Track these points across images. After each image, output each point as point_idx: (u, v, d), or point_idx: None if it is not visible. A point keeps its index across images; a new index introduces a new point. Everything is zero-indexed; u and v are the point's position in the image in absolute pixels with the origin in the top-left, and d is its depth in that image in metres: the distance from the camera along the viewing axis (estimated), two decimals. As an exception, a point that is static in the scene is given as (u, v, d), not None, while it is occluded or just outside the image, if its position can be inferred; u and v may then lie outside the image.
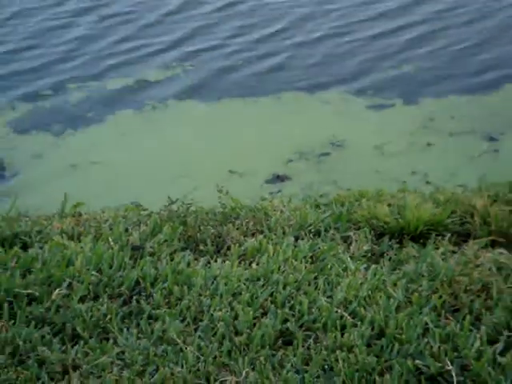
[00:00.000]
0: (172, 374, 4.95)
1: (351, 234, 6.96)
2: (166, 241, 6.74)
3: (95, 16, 21.58)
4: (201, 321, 5.58)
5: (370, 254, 6.66)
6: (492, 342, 5.25)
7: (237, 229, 7.05)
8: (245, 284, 5.97)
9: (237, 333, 5.42)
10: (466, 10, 21.76)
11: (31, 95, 17.59)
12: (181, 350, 5.22)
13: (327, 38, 20.31)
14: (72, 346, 5.29)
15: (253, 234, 6.93)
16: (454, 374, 4.91)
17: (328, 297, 5.78)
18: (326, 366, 5.04)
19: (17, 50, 19.77)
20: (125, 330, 5.50)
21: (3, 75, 18.53)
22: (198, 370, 5.01)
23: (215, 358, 5.14)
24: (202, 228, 7.03)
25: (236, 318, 5.56)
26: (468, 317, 5.54)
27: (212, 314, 5.60)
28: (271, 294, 5.83)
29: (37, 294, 5.83)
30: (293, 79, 18.33)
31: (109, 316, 5.63)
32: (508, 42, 19.96)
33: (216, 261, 6.45)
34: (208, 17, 21.52)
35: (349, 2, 22.83)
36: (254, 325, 5.47)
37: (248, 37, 20.49)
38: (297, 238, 6.79)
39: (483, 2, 21.95)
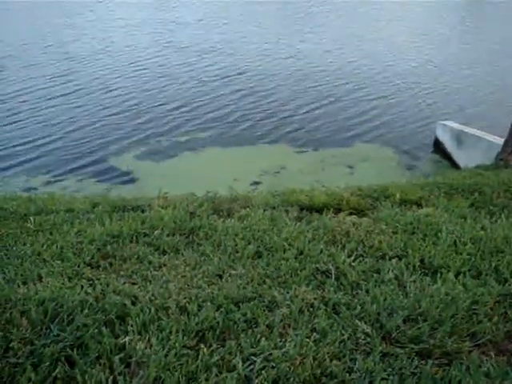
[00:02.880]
0: (207, 269, 5.01)
1: (289, 208, 7.00)
2: (205, 210, 6.77)
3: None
4: (220, 246, 5.62)
5: (297, 217, 6.69)
6: (349, 256, 5.34)
7: (237, 205, 7.08)
8: (240, 230, 6.00)
9: (237, 252, 5.47)
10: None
11: (146, 143, 17.57)
12: (211, 259, 5.28)
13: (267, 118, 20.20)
14: (163, 256, 5.37)
15: (244, 207, 6.96)
16: (332, 271, 5.00)
17: (278, 236, 5.82)
18: (276, 267, 5.11)
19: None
20: (187, 249, 5.56)
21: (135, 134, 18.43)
22: (219, 267, 5.08)
23: (226, 262, 5.20)
24: (221, 204, 7.07)
25: (236, 245, 5.60)
26: (339, 246, 5.64)
27: (225, 243, 5.65)
28: (252, 235, 5.87)
29: (147, 232, 5.91)
30: (261, 137, 18.34)
31: (179, 243, 5.69)
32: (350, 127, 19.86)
33: (228, 219, 6.48)
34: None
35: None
36: (245, 248, 5.51)
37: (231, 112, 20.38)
38: (264, 210, 6.83)
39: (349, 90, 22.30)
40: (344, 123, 19.92)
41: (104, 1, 40.48)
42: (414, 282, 4.87)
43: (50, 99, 21.48)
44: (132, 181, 14.83)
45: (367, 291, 4.65)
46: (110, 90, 22.67)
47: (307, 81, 24.73)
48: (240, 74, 25.51)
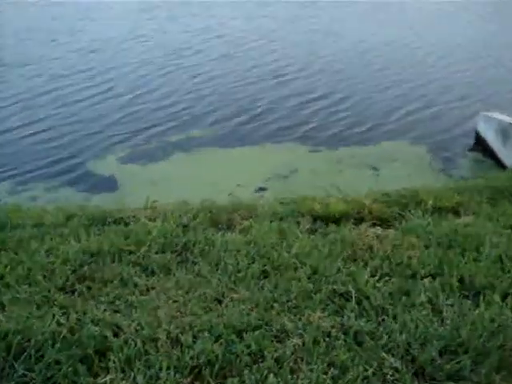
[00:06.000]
0: (204, 292, 5.02)
1: (300, 219, 6.98)
2: (200, 222, 6.77)
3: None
4: (219, 265, 5.62)
5: (310, 230, 6.68)
6: (373, 275, 5.33)
7: (239, 215, 7.08)
8: (243, 245, 6.01)
9: (238, 271, 5.47)
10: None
11: (132, 143, 17.57)
12: (208, 280, 5.29)
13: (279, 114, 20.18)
14: (151, 277, 5.37)
15: (248, 219, 6.96)
16: (353, 292, 4.99)
17: (287, 252, 5.82)
18: (286, 289, 5.11)
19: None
20: (179, 269, 5.57)
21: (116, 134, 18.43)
22: (218, 291, 5.08)
23: (227, 285, 5.21)
24: (220, 215, 7.06)
25: (238, 263, 5.61)
26: (361, 263, 5.63)
27: (225, 261, 5.65)
28: (257, 251, 5.87)
29: (132, 249, 5.90)
30: (267, 135, 18.30)
31: (170, 262, 5.70)
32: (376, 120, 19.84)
33: (228, 233, 6.49)
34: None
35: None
36: (248, 267, 5.52)
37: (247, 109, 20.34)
38: (271, 221, 6.83)
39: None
40: (366, 117, 19.81)
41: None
42: (452, 305, 4.85)
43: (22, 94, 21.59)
44: (114, 188, 14.79)
45: (395, 317, 4.63)
46: (92, 83, 22.68)
47: (321, 71, 24.73)
48: (239, 64, 25.54)
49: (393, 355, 4.13)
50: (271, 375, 3.82)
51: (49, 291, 4.97)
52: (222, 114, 19.94)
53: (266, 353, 4.10)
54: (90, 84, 22.54)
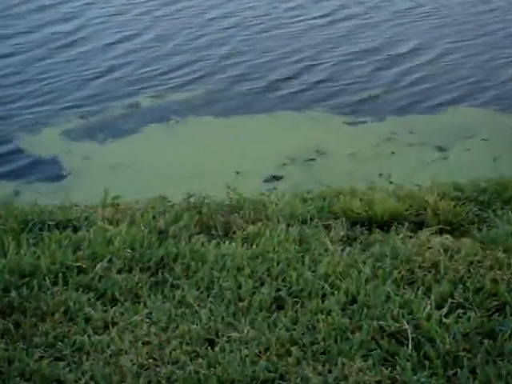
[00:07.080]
0: (189, 330, 5.02)
1: (331, 222, 6.97)
2: (185, 226, 6.77)
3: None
4: (212, 289, 5.63)
5: (345, 238, 6.67)
6: (439, 307, 5.31)
7: (241, 217, 7.07)
8: (247, 261, 6.00)
9: (240, 299, 5.48)
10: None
11: (82, 112, 17.44)
12: (196, 311, 5.29)
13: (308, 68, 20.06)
14: (111, 307, 5.37)
15: (253, 222, 6.94)
16: (409, 332, 4.97)
17: (312, 271, 5.83)
18: (310, 326, 5.11)
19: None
20: (152, 295, 5.58)
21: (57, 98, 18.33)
22: (210, 327, 5.09)
23: (223, 318, 5.22)
24: (213, 216, 7.06)
25: (239, 287, 5.62)
26: (421, 288, 5.62)
27: (221, 284, 5.67)
28: (267, 269, 5.88)
29: (84, 266, 5.90)
30: (285, 99, 18.18)
31: (140, 285, 5.72)
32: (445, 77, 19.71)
33: (224, 242, 6.49)
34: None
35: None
36: (254, 293, 5.52)
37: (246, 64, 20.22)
38: (288, 225, 6.80)
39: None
40: (432, 73, 19.73)
41: None
42: None
43: None
44: (57, 176, 14.72)
45: (473, 371, 4.61)
46: (26, 20, 22.66)
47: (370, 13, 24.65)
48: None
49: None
50: None
51: (-44, 329, 4.97)
52: (217, 66, 19.83)
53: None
54: (21, 23, 22.47)
